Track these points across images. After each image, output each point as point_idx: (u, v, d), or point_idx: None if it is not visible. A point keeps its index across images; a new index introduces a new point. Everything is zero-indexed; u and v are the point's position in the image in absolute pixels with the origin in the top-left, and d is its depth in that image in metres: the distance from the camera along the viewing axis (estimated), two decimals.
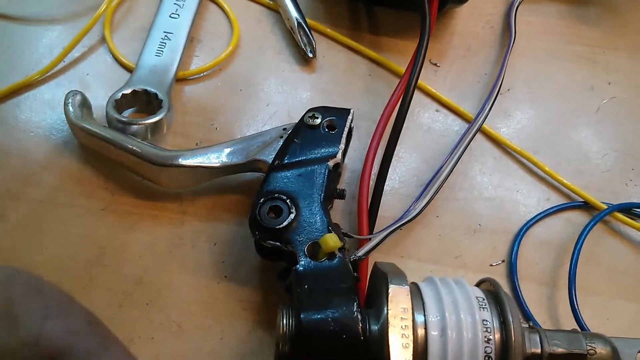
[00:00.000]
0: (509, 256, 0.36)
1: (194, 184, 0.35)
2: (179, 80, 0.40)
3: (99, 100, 0.37)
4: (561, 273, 0.36)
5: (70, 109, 0.35)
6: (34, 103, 0.38)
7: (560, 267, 0.36)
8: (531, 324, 0.31)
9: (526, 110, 0.42)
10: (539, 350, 0.29)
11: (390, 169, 0.36)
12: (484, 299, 0.28)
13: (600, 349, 0.29)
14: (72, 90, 0.36)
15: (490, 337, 0.27)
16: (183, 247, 0.34)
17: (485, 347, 0.27)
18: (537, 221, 0.37)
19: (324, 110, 0.35)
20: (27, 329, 0.23)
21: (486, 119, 0.39)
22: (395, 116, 0.37)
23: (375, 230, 0.35)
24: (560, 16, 0.46)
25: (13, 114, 0.38)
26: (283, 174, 0.33)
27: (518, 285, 0.35)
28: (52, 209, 0.35)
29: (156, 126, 0.36)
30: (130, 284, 0.33)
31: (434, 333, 0.27)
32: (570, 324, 0.33)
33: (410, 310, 0.27)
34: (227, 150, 0.34)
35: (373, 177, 0.36)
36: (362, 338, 0.27)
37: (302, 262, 0.30)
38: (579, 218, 0.38)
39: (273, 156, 0.34)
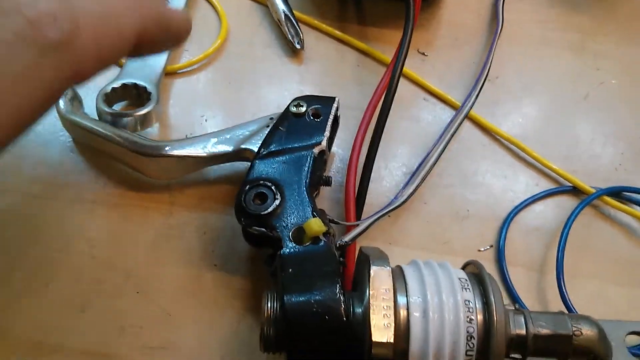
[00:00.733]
0: (497, 241, 0.36)
1: (182, 174, 0.36)
2: (169, 74, 0.40)
3: (90, 95, 0.37)
4: (550, 257, 0.36)
5: (61, 103, 0.36)
6: None
7: (548, 251, 0.36)
8: (517, 307, 0.31)
9: (515, 97, 0.42)
10: (523, 332, 0.29)
11: (378, 157, 0.36)
12: (466, 280, 0.29)
13: (587, 331, 0.30)
14: None
15: (473, 317, 0.27)
16: (173, 237, 0.35)
17: (468, 327, 0.27)
18: (525, 206, 0.37)
19: (309, 99, 0.35)
20: None
21: (474, 107, 0.40)
22: (382, 104, 0.37)
23: (363, 217, 0.35)
24: (549, 4, 0.46)
25: None
26: (268, 161, 0.33)
27: (506, 270, 0.35)
28: (43, 202, 0.35)
29: (145, 118, 0.37)
30: (121, 275, 0.33)
31: (415, 314, 0.27)
32: (558, 308, 0.33)
33: (392, 292, 0.27)
34: (214, 140, 0.35)
35: (361, 165, 0.36)
36: (345, 319, 0.27)
37: (287, 247, 0.30)
38: (567, 203, 0.38)
39: (259, 144, 0.34)
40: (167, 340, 0.32)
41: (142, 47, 0.27)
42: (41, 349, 0.31)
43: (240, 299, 0.33)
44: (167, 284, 0.33)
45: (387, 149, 0.39)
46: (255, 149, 0.34)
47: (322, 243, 0.30)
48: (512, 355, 0.29)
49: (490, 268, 0.35)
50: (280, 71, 0.41)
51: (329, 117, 0.35)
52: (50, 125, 0.38)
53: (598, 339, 0.30)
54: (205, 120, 0.39)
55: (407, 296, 0.28)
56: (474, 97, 0.39)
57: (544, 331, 0.29)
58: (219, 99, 0.40)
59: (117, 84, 0.38)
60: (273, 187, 0.32)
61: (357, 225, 0.33)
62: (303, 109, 0.35)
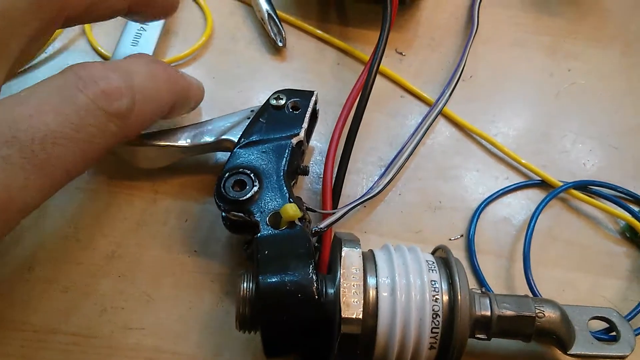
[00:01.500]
0: (468, 231, 0.37)
1: (165, 163, 0.37)
2: None
3: None
4: (518, 247, 0.37)
5: None
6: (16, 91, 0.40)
7: (517, 241, 0.37)
8: (484, 290, 0.33)
9: (488, 95, 0.43)
10: (488, 313, 0.30)
11: (355, 151, 0.38)
12: (433, 263, 0.30)
13: (549, 313, 0.31)
14: None
15: (438, 297, 0.29)
16: (155, 224, 0.36)
17: (433, 305, 0.28)
18: (495, 198, 0.39)
19: (288, 92, 0.37)
20: None
21: (449, 104, 0.41)
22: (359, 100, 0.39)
23: (339, 206, 0.36)
24: (523, 8, 0.48)
25: None
26: (248, 150, 0.34)
27: (475, 257, 0.36)
28: None
29: None
30: (103, 258, 0.34)
31: (384, 293, 0.29)
32: (525, 294, 0.35)
33: (362, 272, 0.29)
34: (197, 131, 0.36)
35: (338, 157, 0.37)
36: (317, 297, 0.28)
37: (263, 231, 0.31)
38: (536, 195, 0.39)
39: (240, 135, 0.35)
40: (147, 322, 0.33)
41: (169, 115, 0.33)
42: (24, 330, 0.32)
43: (218, 282, 0.34)
44: (148, 267, 0.34)
45: (364, 143, 0.40)
46: (236, 140, 0.35)
47: (297, 228, 0.31)
48: (477, 336, 0.30)
49: (460, 256, 0.37)
50: (263, 68, 0.43)
51: (307, 110, 0.36)
52: None
53: (560, 321, 0.31)
54: (190, 114, 0.40)
55: (376, 277, 0.29)
56: (447, 94, 0.41)
57: (508, 312, 0.30)
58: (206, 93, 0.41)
59: None
60: (252, 175, 0.33)
61: (333, 213, 0.35)
62: (282, 102, 0.36)
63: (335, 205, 0.36)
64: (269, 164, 0.34)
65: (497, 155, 0.41)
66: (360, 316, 0.28)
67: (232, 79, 0.42)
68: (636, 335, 0.32)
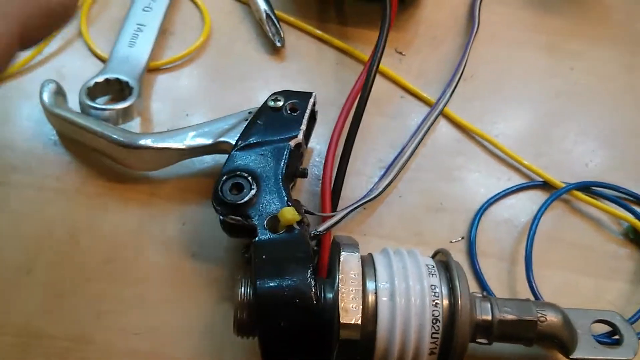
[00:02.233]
0: (469, 233, 0.37)
1: (162, 166, 0.37)
2: (153, 70, 0.41)
3: (75, 91, 0.38)
4: (520, 249, 0.37)
5: (45, 96, 0.36)
6: (13, 94, 0.40)
7: (519, 243, 0.37)
8: (485, 294, 0.32)
9: (489, 95, 0.43)
10: (489, 317, 0.30)
11: (355, 152, 0.37)
12: (433, 267, 0.30)
13: (551, 317, 0.31)
14: (47, 80, 0.37)
15: (438, 301, 0.28)
16: (152, 227, 0.36)
17: (433, 310, 0.28)
18: (497, 200, 0.38)
19: (287, 94, 0.36)
20: None
21: (449, 104, 0.41)
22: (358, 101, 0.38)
23: (338, 209, 0.36)
24: (524, 6, 0.47)
25: None
26: (246, 153, 0.34)
27: (477, 260, 0.36)
28: (27, 193, 0.36)
29: (126, 112, 0.38)
30: (100, 261, 0.34)
31: (383, 298, 0.28)
32: (527, 297, 0.34)
33: (361, 276, 0.28)
34: (194, 133, 0.36)
35: (337, 159, 0.37)
36: (315, 303, 0.28)
37: (261, 235, 0.31)
38: (538, 197, 0.39)
39: (237, 137, 0.35)
40: (144, 326, 0.32)
41: (28, 41, 0.26)
42: (20, 335, 0.32)
43: (216, 287, 0.34)
44: (145, 271, 0.34)
45: (364, 144, 0.40)
46: (233, 142, 0.35)
47: (295, 231, 0.31)
48: (478, 340, 0.30)
49: (461, 258, 0.36)
50: (262, 68, 0.42)
51: (305, 112, 0.36)
52: (34, 119, 0.38)
53: (562, 325, 0.31)
54: (187, 116, 0.40)
55: (375, 281, 0.29)
56: (448, 94, 0.41)
57: (509, 317, 0.30)
58: (201, 95, 0.41)
59: (100, 79, 0.38)
60: (249, 178, 0.33)
61: (332, 216, 0.34)
62: (280, 103, 0.36)
63: (334, 208, 0.36)
64: (267, 166, 0.33)
65: (499, 156, 0.40)
66: (359, 322, 0.27)
67: (229, 80, 0.42)
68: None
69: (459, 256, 0.36)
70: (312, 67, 0.43)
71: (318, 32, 0.44)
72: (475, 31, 0.44)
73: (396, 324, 0.28)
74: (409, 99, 0.42)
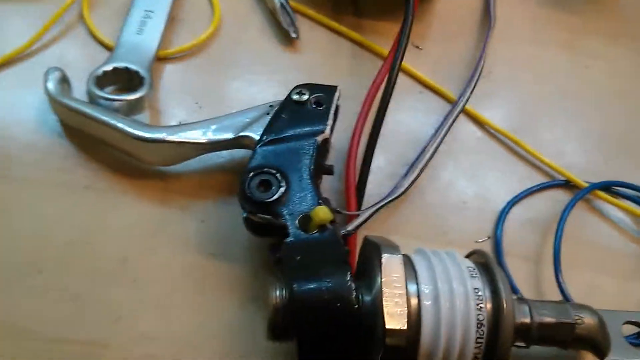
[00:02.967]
0: (494, 233, 0.36)
1: (179, 161, 0.35)
2: (161, 59, 0.39)
3: (78, 79, 0.36)
4: (546, 249, 0.36)
5: (51, 85, 0.34)
6: (11, 82, 0.37)
7: (544, 243, 0.36)
8: (520, 296, 0.31)
9: (507, 92, 0.42)
10: (528, 320, 0.29)
11: (375, 149, 0.36)
12: (474, 269, 0.29)
13: (588, 319, 0.30)
14: (52, 67, 0.35)
15: (482, 305, 0.27)
16: (169, 225, 0.34)
17: (478, 315, 0.27)
18: (520, 199, 0.38)
19: (311, 87, 0.35)
20: None
21: (468, 101, 0.40)
22: (380, 96, 0.37)
23: (363, 207, 0.35)
24: (539, 2, 0.47)
25: None
26: (271, 148, 0.32)
27: (504, 261, 0.35)
28: (33, 188, 0.34)
29: (137, 103, 0.36)
30: (115, 263, 0.32)
31: (427, 302, 0.27)
32: (556, 298, 0.34)
33: (404, 279, 0.27)
34: (214, 127, 0.34)
35: (359, 156, 0.35)
36: (356, 307, 0.26)
37: (293, 235, 0.29)
38: (561, 196, 0.38)
39: (260, 132, 0.33)
40: (164, 330, 0.31)
41: None
42: (36, 339, 0.29)
43: (239, 288, 0.32)
44: (164, 272, 0.32)
45: (383, 140, 0.38)
46: (256, 137, 0.33)
47: (328, 231, 0.29)
48: (517, 344, 0.29)
49: None
50: (275, 60, 0.41)
51: (331, 106, 0.34)
52: (38, 110, 0.36)
53: (599, 327, 0.30)
54: (200, 107, 0.38)
55: (417, 284, 0.28)
56: (468, 92, 0.40)
57: (548, 319, 0.29)
58: (212, 86, 0.39)
59: (108, 67, 0.36)
60: (277, 175, 0.31)
61: (358, 215, 0.33)
62: (305, 97, 0.34)
63: (359, 206, 0.34)
64: (294, 163, 0.32)
65: (520, 153, 0.40)
66: (405, 327, 0.26)
67: (242, 72, 0.40)
68: None
69: None
70: (327, 60, 0.41)
71: (333, 23, 0.42)
72: (491, 27, 0.43)
73: (441, 328, 0.26)
74: (428, 94, 0.41)
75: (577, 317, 0.30)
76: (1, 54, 0.37)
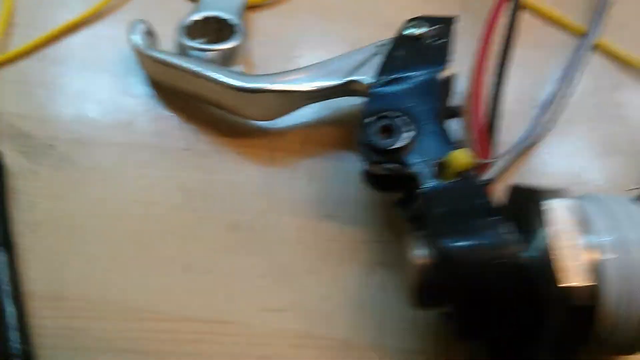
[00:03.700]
0: None
1: (282, 114, 0.31)
2: (252, 7, 0.35)
3: (163, 33, 0.32)
4: None
5: (137, 38, 0.31)
6: (93, 39, 0.34)
7: None
8: None
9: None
10: None
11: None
12: None
13: None
14: (136, 19, 0.32)
15: None
16: (277, 187, 0.30)
17: None
18: None
19: (426, 19, 0.30)
20: None
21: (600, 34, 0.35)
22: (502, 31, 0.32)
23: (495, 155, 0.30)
24: None
25: (71, 52, 0.34)
26: (390, 89, 0.28)
27: None
28: (129, 151, 0.31)
29: (231, 54, 0.32)
30: (223, 230, 0.29)
31: (609, 255, 0.22)
32: None
33: (577, 229, 0.23)
34: (319, 72, 0.30)
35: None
36: (518, 262, 0.22)
37: (429, 185, 0.25)
38: None
39: (371, 75, 0.29)
40: (288, 301, 0.27)
41: None
42: (150, 319, 0.27)
43: (366, 251, 0.28)
44: (279, 238, 0.29)
45: (508, 78, 0.33)
46: (367, 80, 0.29)
47: (469, 178, 0.25)
48: None
49: None
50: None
51: (449, 39, 0.30)
52: (124, 67, 0.33)
53: None
54: (298, 57, 0.34)
55: (594, 233, 0.23)
56: (599, 23, 0.34)
57: None
58: (311, 33, 0.35)
59: (197, 16, 0.33)
60: (404, 118, 0.27)
61: (492, 163, 0.29)
62: (421, 30, 0.30)
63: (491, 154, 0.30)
64: (419, 104, 0.28)
65: None
66: (588, 283, 0.21)
67: (343, 13, 0.36)
68: None
69: None
70: None
71: None
72: None
73: (633, 285, 0.22)
74: (551, 27, 0.36)
75: None
76: (80, 13, 0.34)
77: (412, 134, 0.26)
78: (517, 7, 0.32)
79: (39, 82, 0.33)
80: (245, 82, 0.29)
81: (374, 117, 0.27)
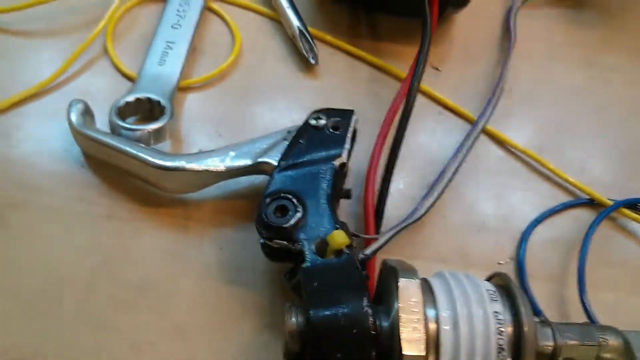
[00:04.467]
0: (517, 254, 0.36)
1: (198, 189, 0.35)
2: (183, 89, 0.40)
3: (101, 111, 0.37)
4: (570, 270, 0.35)
5: (73, 116, 0.35)
6: (37, 114, 0.38)
7: (568, 264, 0.36)
8: (542, 318, 0.31)
9: (528, 110, 0.42)
10: (551, 344, 0.28)
11: (394, 171, 0.36)
12: (494, 292, 0.28)
13: (612, 341, 0.29)
14: (75, 99, 0.36)
15: (503, 329, 0.27)
16: (188, 252, 0.34)
17: (498, 339, 0.26)
18: (543, 219, 0.37)
19: (328, 112, 0.35)
20: None
21: (489, 120, 0.40)
22: (399, 118, 0.37)
23: (382, 231, 0.35)
24: (558, 20, 0.47)
25: (16, 125, 0.38)
26: (289, 174, 0.33)
27: (527, 282, 0.35)
28: (55, 217, 0.34)
29: (159, 133, 0.36)
30: (134, 290, 0.32)
31: (445, 327, 0.27)
32: (580, 320, 0.33)
33: (421, 304, 0.27)
34: (232, 154, 0.34)
35: (378, 179, 0.35)
36: (373, 333, 0.26)
37: (310, 260, 0.29)
38: (585, 215, 0.38)
39: (278, 158, 0.34)
40: (182, 357, 0.31)
41: None
42: None
43: (257, 313, 0.32)
44: (182, 299, 0.32)
45: (402, 162, 0.38)
46: (274, 162, 0.33)
47: (345, 256, 0.29)
48: None
49: None
50: (295, 86, 0.41)
51: (348, 130, 0.35)
52: (61, 141, 0.37)
53: (624, 349, 0.29)
54: (220, 135, 0.38)
55: (436, 309, 0.27)
56: (489, 111, 0.39)
57: (571, 342, 0.28)
58: (233, 114, 0.40)
59: (130, 98, 0.37)
60: (294, 200, 0.31)
61: (377, 238, 0.33)
62: (322, 122, 0.35)
63: (378, 229, 0.34)
64: (312, 187, 0.32)
65: (542, 172, 0.39)
66: (424, 353, 0.26)
67: (262, 99, 0.41)
68: None
69: None
70: (346, 84, 0.42)
71: (351, 48, 0.43)
72: (512, 45, 0.43)
73: (460, 354, 0.26)
74: (447, 115, 0.41)
75: (601, 339, 0.29)
76: (28, 86, 0.38)
77: (299, 214, 0.31)
78: (412, 98, 0.37)
79: None
80: (164, 161, 0.34)
81: (271, 198, 0.31)
